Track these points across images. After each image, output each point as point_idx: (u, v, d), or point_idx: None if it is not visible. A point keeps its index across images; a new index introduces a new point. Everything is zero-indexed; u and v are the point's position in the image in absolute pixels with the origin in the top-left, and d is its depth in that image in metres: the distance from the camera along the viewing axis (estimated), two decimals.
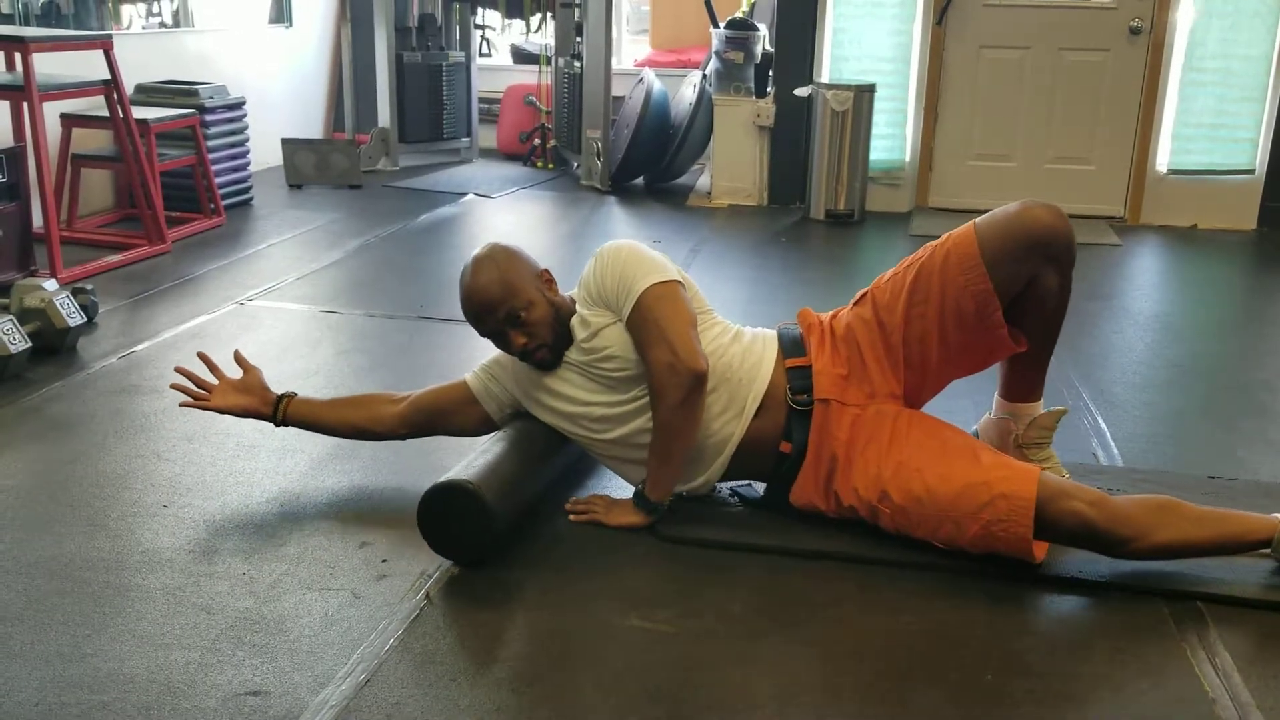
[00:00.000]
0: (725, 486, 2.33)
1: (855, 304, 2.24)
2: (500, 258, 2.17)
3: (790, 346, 2.21)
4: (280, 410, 2.33)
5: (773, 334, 2.27)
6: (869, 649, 1.85)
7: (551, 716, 1.64)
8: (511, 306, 2.13)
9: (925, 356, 2.14)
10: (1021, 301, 2.12)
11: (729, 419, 2.15)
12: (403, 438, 2.35)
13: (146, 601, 1.92)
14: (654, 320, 2.08)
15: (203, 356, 2.39)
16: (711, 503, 2.29)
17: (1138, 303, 4.15)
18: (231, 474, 2.42)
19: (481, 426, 2.31)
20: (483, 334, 2.20)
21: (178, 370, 2.34)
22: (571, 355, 2.19)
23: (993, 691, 1.75)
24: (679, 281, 2.16)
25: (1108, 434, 2.78)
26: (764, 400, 2.15)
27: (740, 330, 2.26)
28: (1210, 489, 2.41)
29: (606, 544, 2.16)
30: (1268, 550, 1.99)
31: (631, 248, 2.18)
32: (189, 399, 2.33)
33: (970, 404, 2.79)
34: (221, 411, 2.33)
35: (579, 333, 2.17)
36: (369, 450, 2.45)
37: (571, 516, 2.22)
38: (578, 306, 2.20)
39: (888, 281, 2.20)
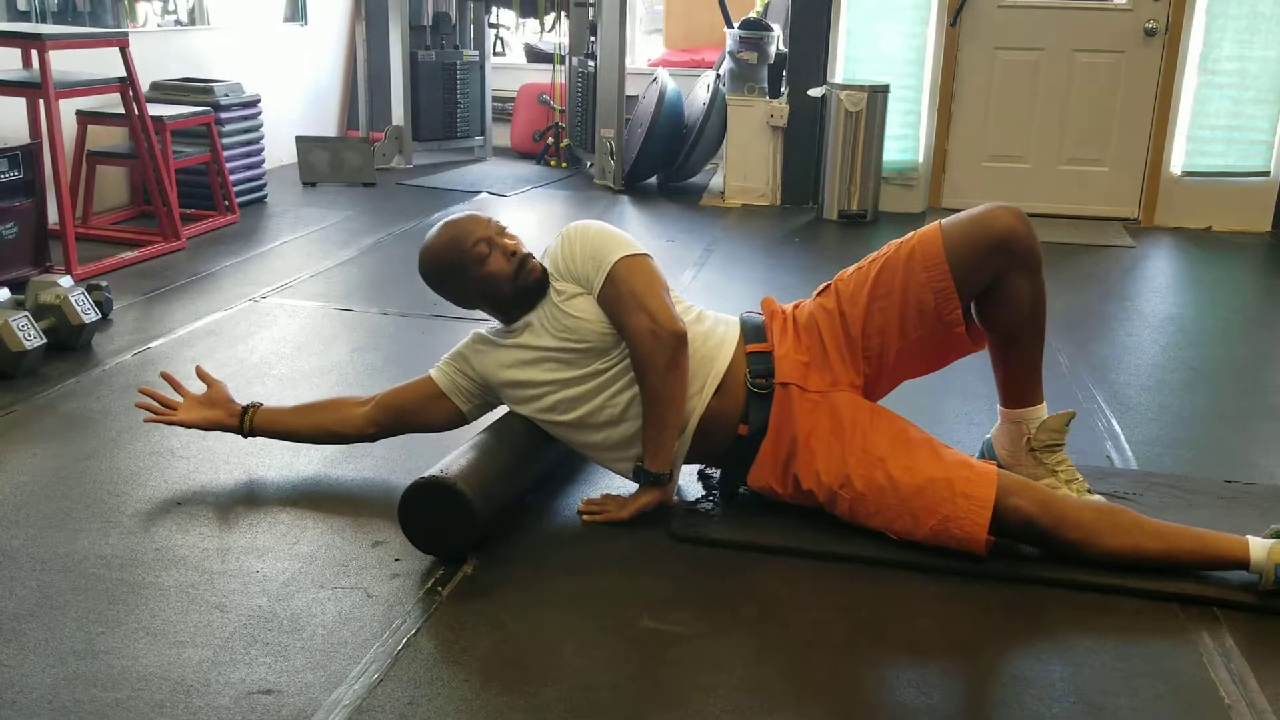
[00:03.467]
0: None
1: (818, 294, 2.28)
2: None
3: (751, 333, 2.25)
4: (246, 421, 2.33)
5: (735, 319, 2.30)
6: (882, 652, 1.84)
7: (564, 717, 1.64)
8: (492, 219, 2.24)
9: (885, 349, 2.18)
10: (993, 304, 2.17)
11: (689, 395, 2.17)
12: (372, 438, 2.34)
13: (160, 599, 1.92)
14: (629, 290, 2.12)
15: (166, 376, 2.41)
16: (721, 504, 2.29)
17: (1152, 305, 4.13)
18: (245, 472, 2.42)
19: (451, 421, 2.30)
20: (469, 251, 2.18)
21: (141, 390, 2.37)
22: (542, 337, 2.19)
23: (1008, 695, 1.74)
24: (649, 254, 2.21)
25: (1122, 437, 2.77)
26: (723, 380, 2.19)
27: (703, 312, 2.29)
28: (1227, 493, 2.39)
29: (619, 545, 2.15)
30: (1247, 571, 1.98)
31: (599, 225, 2.24)
32: (152, 415, 2.34)
33: (985, 405, 2.78)
34: (187, 425, 2.33)
35: (552, 299, 2.19)
36: (381, 449, 2.45)
37: (585, 517, 2.22)
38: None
39: (851, 274, 2.24)
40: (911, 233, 2.21)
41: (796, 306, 2.29)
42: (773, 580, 2.05)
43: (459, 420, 2.31)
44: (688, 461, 2.28)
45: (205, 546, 2.11)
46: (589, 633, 1.87)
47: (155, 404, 2.35)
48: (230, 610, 1.89)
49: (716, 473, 2.38)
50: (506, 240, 2.21)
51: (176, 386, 2.39)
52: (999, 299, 2.16)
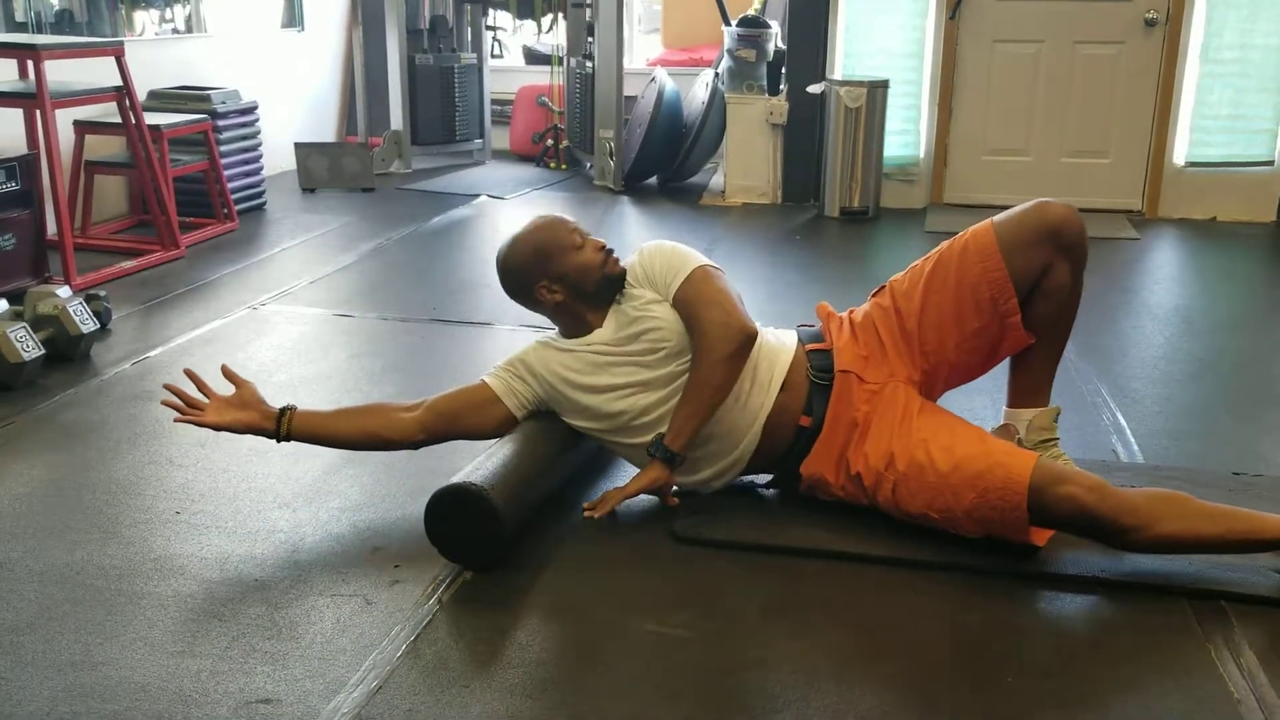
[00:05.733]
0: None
1: (873, 296, 2.34)
2: None
3: (809, 338, 2.32)
4: (284, 423, 2.21)
5: (790, 330, 2.36)
6: (888, 651, 1.83)
7: None
8: (579, 225, 2.29)
9: (941, 343, 2.21)
10: (1033, 296, 2.20)
11: (756, 391, 2.21)
12: (418, 445, 2.26)
13: (159, 609, 1.91)
14: (706, 290, 2.20)
15: (190, 374, 2.27)
16: (724, 503, 2.27)
17: (1156, 297, 4.11)
18: (244, 480, 2.41)
19: (501, 428, 2.27)
20: (567, 238, 2.24)
21: (166, 387, 2.23)
22: (618, 342, 2.21)
23: (1014, 694, 1.72)
24: (722, 270, 2.28)
25: (1128, 430, 2.74)
26: (788, 377, 2.23)
27: (759, 326, 2.30)
28: (1234, 485, 2.37)
29: (619, 548, 2.14)
30: None
31: (674, 243, 2.31)
32: (180, 416, 2.20)
33: (990, 401, 2.76)
34: (218, 428, 2.20)
35: (630, 303, 2.23)
36: (381, 455, 2.43)
37: (595, 515, 2.18)
38: (624, 287, 2.28)
39: (906, 273, 2.30)
40: (964, 230, 2.24)
41: (851, 312, 2.34)
42: (774, 581, 2.04)
43: (509, 427, 2.26)
44: (749, 469, 2.27)
45: (203, 556, 2.10)
46: (590, 637, 1.86)
47: (181, 403, 2.21)
48: (229, 619, 1.88)
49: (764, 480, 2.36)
50: (596, 240, 2.28)
51: (202, 386, 2.24)
52: (1039, 290, 2.18)
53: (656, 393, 2.20)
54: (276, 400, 2.25)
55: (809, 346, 2.27)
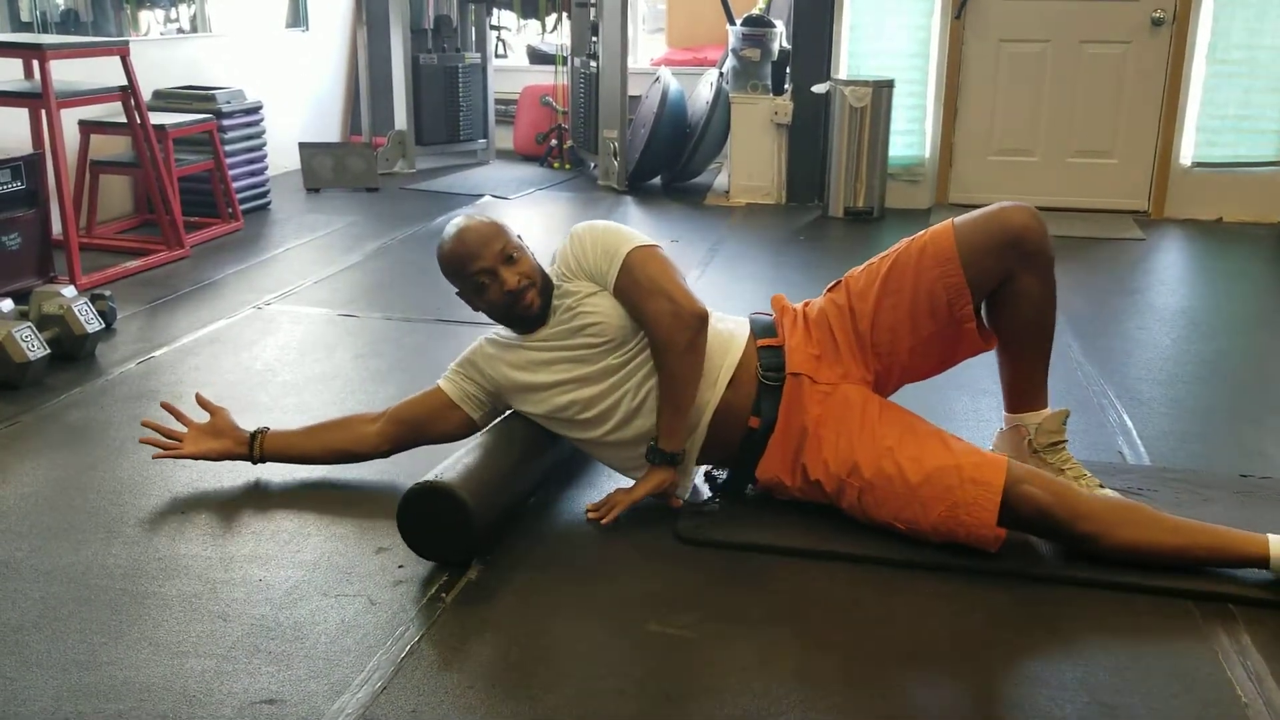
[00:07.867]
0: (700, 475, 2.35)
1: (829, 291, 2.29)
2: (483, 217, 2.26)
3: (761, 330, 2.26)
4: (256, 447, 2.33)
5: (744, 318, 2.31)
6: (891, 653, 1.82)
7: None
8: (507, 242, 2.18)
9: (895, 345, 2.18)
10: (1001, 303, 2.16)
11: (703, 388, 2.17)
12: (386, 454, 2.32)
13: (163, 609, 1.91)
14: (646, 276, 2.13)
15: (167, 406, 2.39)
16: (727, 504, 2.27)
17: (1162, 298, 4.10)
18: (248, 479, 2.41)
19: (463, 430, 2.28)
20: (470, 277, 2.17)
21: (144, 424, 2.36)
22: (556, 338, 2.19)
23: (1019, 697, 1.72)
24: (659, 245, 2.21)
25: (1134, 432, 2.74)
26: (735, 374, 2.19)
27: (710, 312, 2.27)
28: (1242, 488, 2.36)
29: (623, 548, 2.14)
30: (1266, 570, 1.95)
31: (607, 223, 2.24)
32: (160, 451, 2.33)
33: (993, 401, 2.75)
34: (195, 458, 2.33)
35: (565, 300, 2.19)
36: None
37: (602, 521, 2.18)
38: (558, 281, 2.22)
39: (862, 271, 2.25)
40: (924, 230, 2.21)
41: (807, 304, 2.30)
42: (779, 581, 2.03)
43: (471, 429, 2.29)
44: (700, 460, 2.26)
45: (208, 555, 2.10)
46: (594, 637, 1.85)
47: (160, 438, 2.35)
48: (233, 619, 1.88)
49: (723, 474, 2.36)
50: (507, 275, 2.15)
51: (178, 416, 2.37)
52: (1007, 298, 2.15)
53: (595, 386, 2.18)
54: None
55: (760, 342, 2.21)
